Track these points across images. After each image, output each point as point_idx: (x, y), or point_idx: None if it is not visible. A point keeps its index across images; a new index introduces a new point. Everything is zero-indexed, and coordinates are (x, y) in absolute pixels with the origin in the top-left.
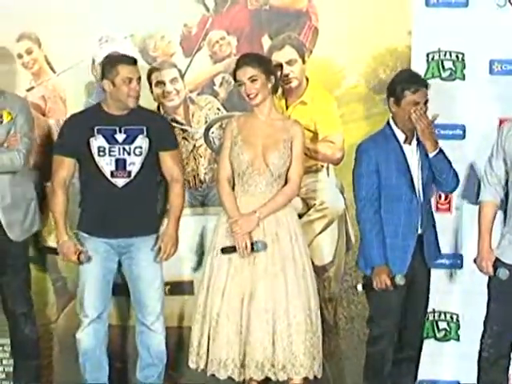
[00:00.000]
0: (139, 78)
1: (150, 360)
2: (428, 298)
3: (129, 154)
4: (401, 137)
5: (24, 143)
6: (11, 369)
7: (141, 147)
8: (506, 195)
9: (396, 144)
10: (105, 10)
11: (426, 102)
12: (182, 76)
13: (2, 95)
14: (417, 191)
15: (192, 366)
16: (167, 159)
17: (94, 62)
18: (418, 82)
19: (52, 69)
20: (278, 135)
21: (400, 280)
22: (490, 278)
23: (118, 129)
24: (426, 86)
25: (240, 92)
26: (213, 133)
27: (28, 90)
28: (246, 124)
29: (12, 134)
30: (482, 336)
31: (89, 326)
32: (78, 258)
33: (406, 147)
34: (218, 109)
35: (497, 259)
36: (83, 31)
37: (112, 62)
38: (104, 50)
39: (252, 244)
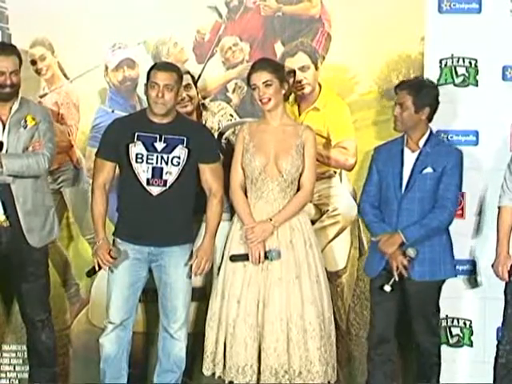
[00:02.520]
0: (169, 86)
1: (168, 366)
2: (427, 309)
3: (166, 163)
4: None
5: (48, 148)
6: (25, 375)
7: (179, 157)
8: None
9: (400, 148)
10: (118, 16)
11: (401, 104)
12: (195, 82)
13: (26, 103)
14: (398, 197)
15: (206, 372)
16: (206, 172)
17: (106, 68)
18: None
19: (65, 75)
20: (290, 141)
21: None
22: (506, 283)
23: (158, 137)
24: (404, 88)
25: (253, 97)
26: (225, 139)
27: (41, 97)
28: (257, 130)
29: (36, 139)
30: (499, 342)
31: (112, 332)
32: (111, 256)
33: (406, 152)
34: (231, 115)
35: None
36: (96, 38)
37: (150, 68)
38: (117, 57)
39: (266, 253)
